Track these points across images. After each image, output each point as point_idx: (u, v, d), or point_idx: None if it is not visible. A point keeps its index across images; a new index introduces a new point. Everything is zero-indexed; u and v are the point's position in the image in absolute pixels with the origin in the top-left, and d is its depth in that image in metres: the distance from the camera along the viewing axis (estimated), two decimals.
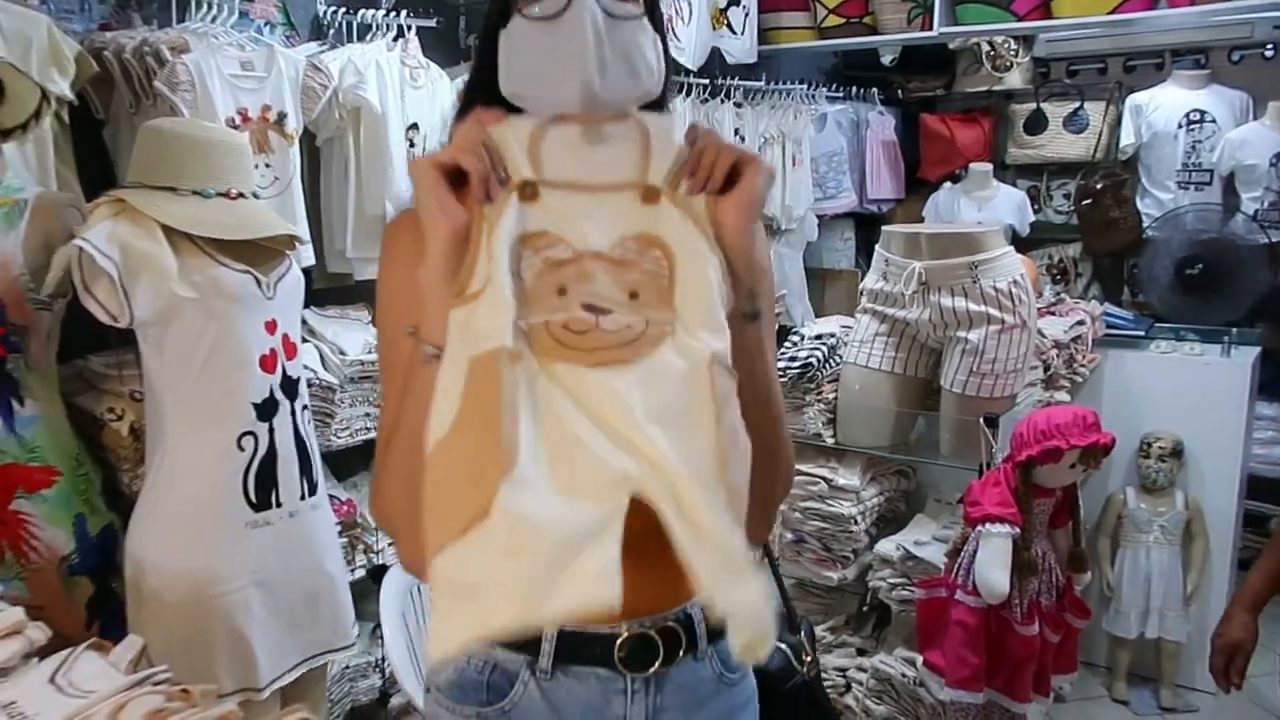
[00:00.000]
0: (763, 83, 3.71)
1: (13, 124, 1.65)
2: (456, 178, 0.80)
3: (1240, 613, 1.80)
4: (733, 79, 3.56)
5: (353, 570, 2.24)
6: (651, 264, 0.81)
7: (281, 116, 2.04)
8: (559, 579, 0.68)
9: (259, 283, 1.66)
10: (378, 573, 2.28)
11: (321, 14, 2.41)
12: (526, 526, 0.69)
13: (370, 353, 2.27)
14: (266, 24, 2.19)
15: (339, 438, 2.24)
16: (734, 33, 3.46)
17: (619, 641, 0.93)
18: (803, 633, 1.35)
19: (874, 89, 4.32)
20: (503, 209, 0.80)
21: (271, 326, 1.69)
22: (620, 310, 0.80)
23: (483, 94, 0.90)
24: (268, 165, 2.03)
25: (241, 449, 1.64)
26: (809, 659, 1.31)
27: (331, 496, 2.10)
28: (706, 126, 0.87)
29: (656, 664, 0.94)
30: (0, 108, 1.61)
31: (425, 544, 0.72)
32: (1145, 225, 3.97)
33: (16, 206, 1.63)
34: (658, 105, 0.91)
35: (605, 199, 0.82)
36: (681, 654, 0.96)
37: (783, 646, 1.30)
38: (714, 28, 3.37)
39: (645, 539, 0.73)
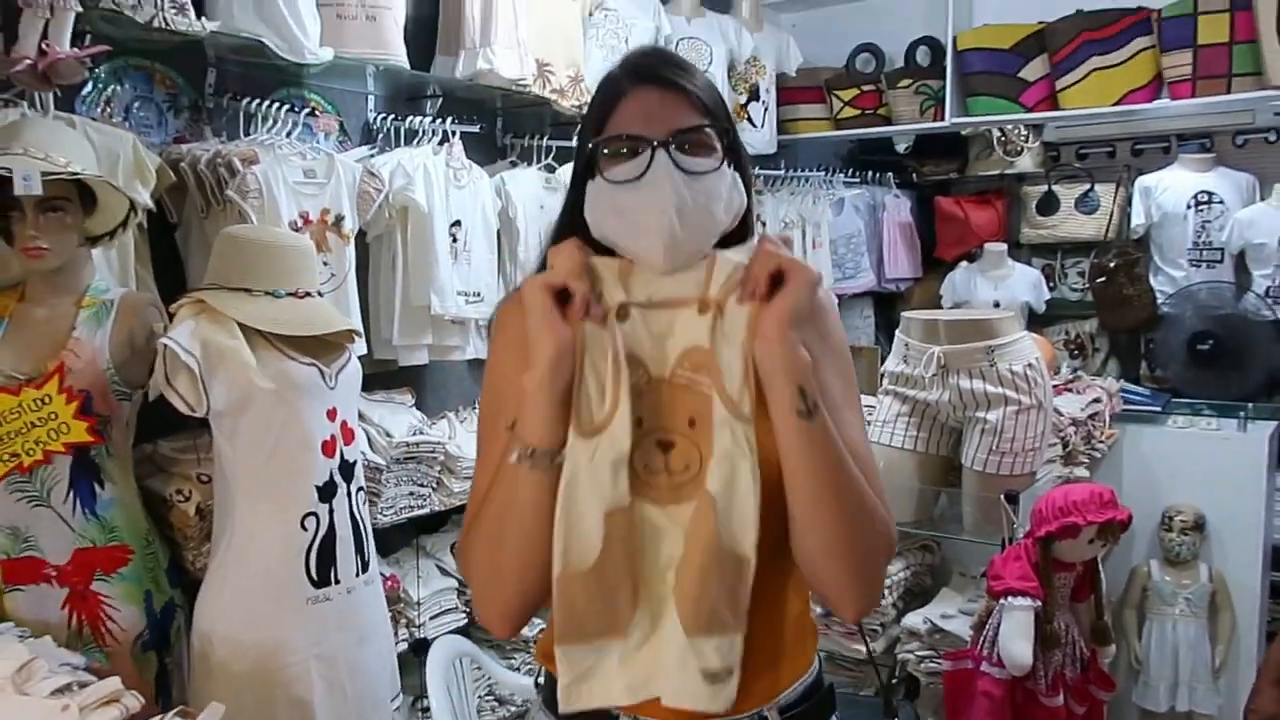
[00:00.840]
0: (782, 170, 3.88)
1: (102, 231, 1.82)
2: (560, 296, 0.92)
3: (1268, 686, 1.84)
4: (753, 167, 3.73)
5: (396, 643, 2.33)
6: (705, 387, 0.93)
7: (339, 219, 2.21)
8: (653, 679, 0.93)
9: (323, 374, 1.80)
10: (418, 646, 2.37)
11: (372, 120, 2.60)
12: (640, 651, 0.93)
13: (414, 434, 2.40)
14: (325, 134, 2.37)
15: (384, 516, 2.34)
16: (754, 126, 3.65)
17: None
18: None
19: (889, 173, 4.47)
20: (612, 340, 0.92)
21: (332, 414, 1.82)
22: (681, 441, 0.94)
23: (574, 233, 1.00)
24: (325, 264, 2.19)
25: (304, 529, 1.76)
26: None
27: None
28: (774, 239, 0.95)
29: None
30: (92, 217, 1.78)
31: (555, 632, 0.92)
32: (1160, 302, 4.06)
33: (104, 306, 1.79)
34: (742, 223, 1.02)
35: (676, 314, 0.94)
36: None
37: None
38: (735, 122, 3.54)
39: None
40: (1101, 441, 2.91)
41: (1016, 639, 2.02)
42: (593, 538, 0.89)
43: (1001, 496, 2.27)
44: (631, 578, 0.91)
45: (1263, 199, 3.92)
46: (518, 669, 2.55)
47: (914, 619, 2.47)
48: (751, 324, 0.91)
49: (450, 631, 2.42)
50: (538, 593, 0.95)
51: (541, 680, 1.10)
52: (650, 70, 1.01)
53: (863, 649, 2.52)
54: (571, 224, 1.03)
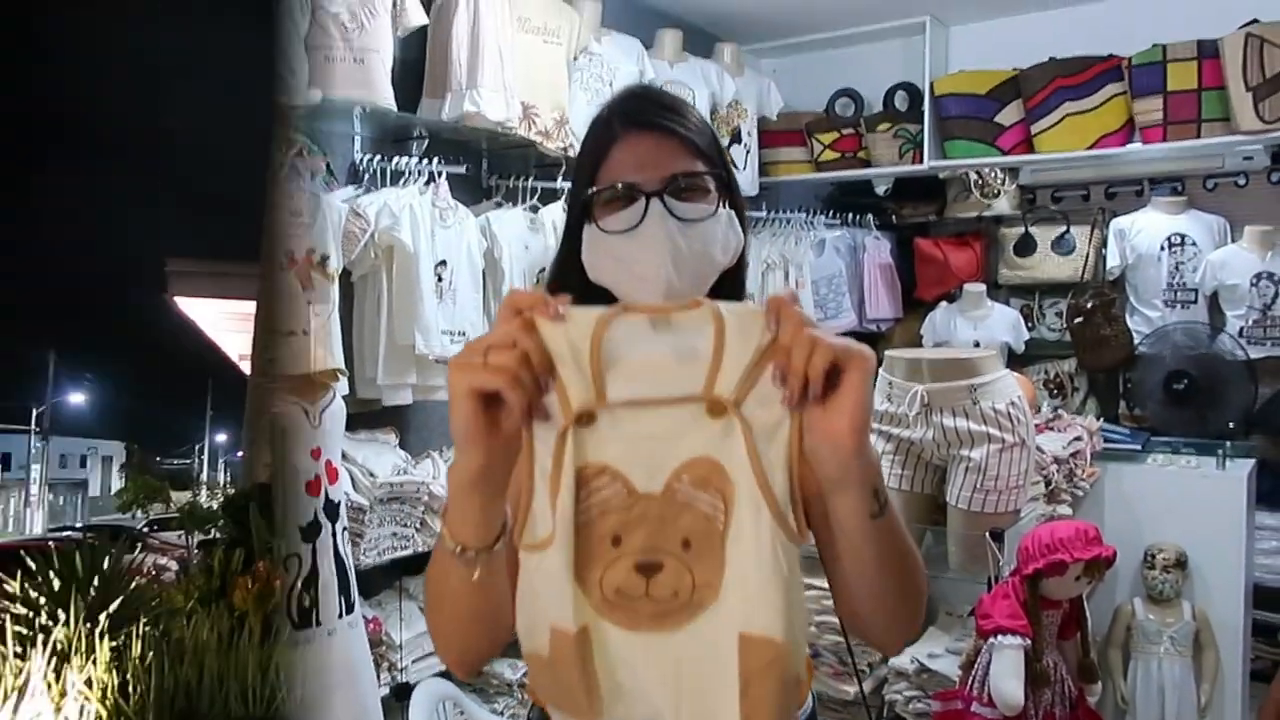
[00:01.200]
0: (764, 212, 3.92)
1: None
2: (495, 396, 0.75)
3: None
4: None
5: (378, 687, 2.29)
6: (708, 506, 0.78)
7: (324, 259, 2.21)
8: None
9: (307, 413, 1.79)
10: (401, 690, 2.33)
11: (358, 161, 2.61)
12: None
13: (398, 474, 2.38)
14: (312, 174, 2.38)
15: (367, 557, 2.32)
16: (736, 168, 3.67)
17: None
18: None
19: (869, 215, 4.50)
20: (561, 450, 0.77)
21: (316, 454, 1.81)
22: (671, 563, 0.79)
23: (571, 275, 1.00)
24: (309, 303, 2.19)
25: (286, 569, 1.73)
26: None
27: None
28: (789, 303, 0.76)
29: None
30: None
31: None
32: (1137, 342, 4.11)
33: None
34: (736, 266, 1.01)
35: (669, 414, 0.77)
36: None
37: None
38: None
39: None
40: (1083, 480, 2.92)
41: (1008, 678, 2.01)
42: (542, 644, 0.80)
43: (987, 534, 2.28)
44: (586, 695, 0.79)
45: (1233, 241, 3.99)
46: (501, 713, 2.51)
47: (901, 659, 2.46)
48: (798, 429, 0.76)
49: (433, 675, 2.38)
50: (485, 650, 0.93)
51: (534, 717, 1.08)
52: (642, 115, 1.00)
53: (850, 689, 2.50)
54: (567, 268, 1.02)
